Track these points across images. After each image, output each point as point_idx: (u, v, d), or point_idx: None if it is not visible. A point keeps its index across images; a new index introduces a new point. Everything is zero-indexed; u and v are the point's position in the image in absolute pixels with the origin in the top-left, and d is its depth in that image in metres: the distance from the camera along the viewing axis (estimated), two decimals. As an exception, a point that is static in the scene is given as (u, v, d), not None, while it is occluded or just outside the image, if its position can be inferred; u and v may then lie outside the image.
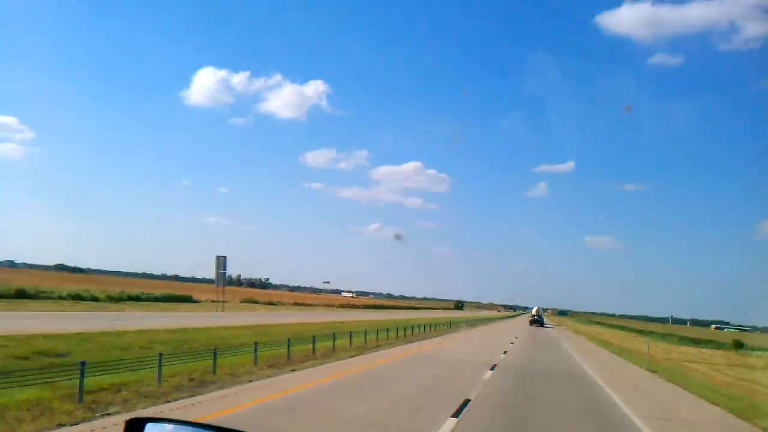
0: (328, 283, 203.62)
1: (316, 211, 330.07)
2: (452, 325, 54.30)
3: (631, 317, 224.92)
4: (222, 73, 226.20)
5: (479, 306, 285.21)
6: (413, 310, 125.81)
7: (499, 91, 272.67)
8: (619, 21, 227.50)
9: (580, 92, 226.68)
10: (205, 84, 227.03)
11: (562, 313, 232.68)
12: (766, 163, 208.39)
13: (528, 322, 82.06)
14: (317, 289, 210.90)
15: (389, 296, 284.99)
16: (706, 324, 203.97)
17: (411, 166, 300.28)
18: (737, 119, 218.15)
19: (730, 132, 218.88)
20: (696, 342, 76.45)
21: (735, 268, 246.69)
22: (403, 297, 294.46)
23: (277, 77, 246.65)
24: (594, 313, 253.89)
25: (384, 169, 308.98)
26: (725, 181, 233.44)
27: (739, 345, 64.38)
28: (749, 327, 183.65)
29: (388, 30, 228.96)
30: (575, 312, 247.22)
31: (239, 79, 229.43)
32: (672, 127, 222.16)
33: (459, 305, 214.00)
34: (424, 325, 41.97)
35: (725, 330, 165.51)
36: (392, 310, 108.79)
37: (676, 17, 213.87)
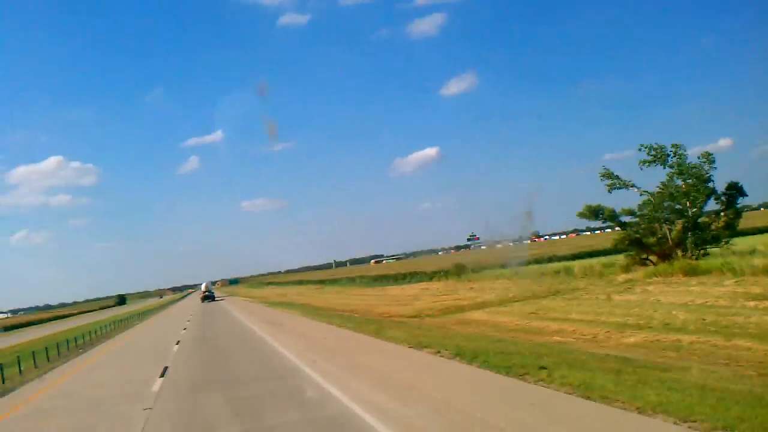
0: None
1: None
2: (117, 325, 47.27)
3: (309, 268, 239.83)
4: None
5: (145, 295, 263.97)
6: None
7: (137, 67, 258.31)
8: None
9: (227, 61, 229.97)
10: None
11: (234, 281, 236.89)
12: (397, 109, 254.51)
13: (200, 300, 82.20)
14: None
15: (48, 307, 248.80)
16: (364, 261, 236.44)
17: (52, 161, 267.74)
18: (368, 69, 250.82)
19: (365, 81, 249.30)
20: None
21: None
22: (62, 305, 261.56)
23: None
24: (267, 274, 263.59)
25: (21, 170, 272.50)
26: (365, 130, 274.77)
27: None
28: (401, 255, 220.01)
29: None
30: (248, 277, 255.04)
31: None
32: (311, 86, 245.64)
33: (121, 300, 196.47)
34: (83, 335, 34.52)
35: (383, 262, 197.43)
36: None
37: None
